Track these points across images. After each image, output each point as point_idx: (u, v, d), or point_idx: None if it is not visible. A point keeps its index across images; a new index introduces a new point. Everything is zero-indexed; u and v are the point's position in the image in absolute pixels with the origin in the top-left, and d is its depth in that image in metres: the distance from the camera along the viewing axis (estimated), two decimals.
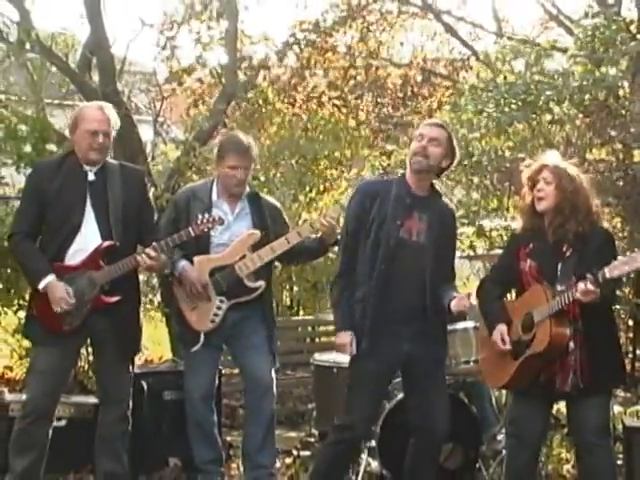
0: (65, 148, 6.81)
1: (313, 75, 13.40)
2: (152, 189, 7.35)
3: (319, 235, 5.60)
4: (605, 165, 7.56)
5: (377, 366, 4.88)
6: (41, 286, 5.00)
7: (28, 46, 8.30)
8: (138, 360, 7.60)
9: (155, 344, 9.23)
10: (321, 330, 8.81)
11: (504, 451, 5.40)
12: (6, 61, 8.23)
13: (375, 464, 5.76)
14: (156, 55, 10.75)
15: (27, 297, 5.58)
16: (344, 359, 5.24)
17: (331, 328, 5.80)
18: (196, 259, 5.55)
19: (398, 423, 5.26)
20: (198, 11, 10.79)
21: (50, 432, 5.14)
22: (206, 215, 5.29)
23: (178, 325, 5.77)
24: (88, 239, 5.06)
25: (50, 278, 4.98)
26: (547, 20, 13.93)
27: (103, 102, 5.44)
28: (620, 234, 7.43)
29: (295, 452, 6.45)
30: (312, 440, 6.49)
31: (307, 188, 9.37)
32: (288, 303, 9.59)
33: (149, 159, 8.71)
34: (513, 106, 7.53)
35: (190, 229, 5.22)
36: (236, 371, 7.00)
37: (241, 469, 5.96)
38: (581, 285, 4.37)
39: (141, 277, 5.58)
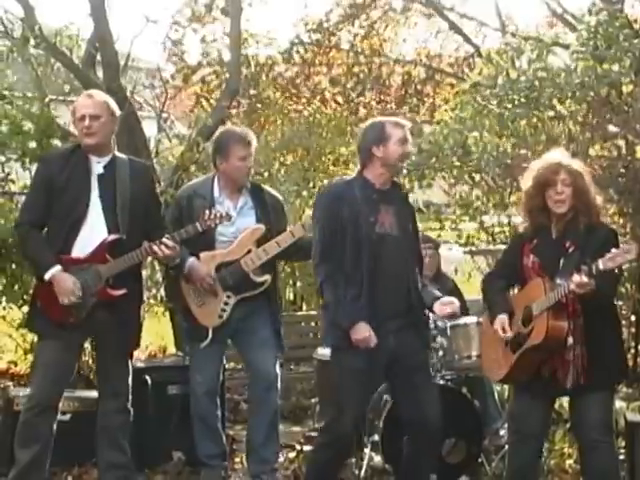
0: (69, 143, 6.84)
1: (317, 74, 13.42)
2: (156, 185, 7.36)
3: None
4: (607, 161, 7.56)
5: (366, 363, 4.84)
6: (47, 277, 5.01)
7: (32, 42, 8.32)
8: (142, 354, 7.65)
9: (159, 338, 9.26)
10: None
11: (506, 446, 5.41)
12: (10, 57, 8.22)
13: (378, 459, 5.80)
14: (162, 53, 10.82)
15: (31, 291, 5.59)
16: None
17: None
18: (202, 255, 5.57)
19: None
20: (203, 9, 10.84)
21: (54, 425, 5.16)
22: (213, 210, 5.32)
23: (185, 322, 5.79)
24: (94, 232, 5.08)
25: (56, 269, 5.00)
26: (551, 18, 13.92)
27: (92, 90, 5.53)
28: (622, 230, 7.42)
29: (298, 447, 6.46)
30: (315, 435, 6.50)
31: (311, 184, 9.37)
32: (291, 298, 9.59)
33: (153, 155, 8.72)
34: (516, 103, 7.54)
35: (197, 224, 5.25)
36: (240, 365, 7.02)
37: (244, 463, 5.98)
38: (575, 276, 4.38)
39: (144, 272, 5.60)
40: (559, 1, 13.33)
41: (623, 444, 5.62)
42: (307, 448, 6.22)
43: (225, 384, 6.12)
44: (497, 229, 8.30)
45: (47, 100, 7.91)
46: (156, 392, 5.97)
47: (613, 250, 4.32)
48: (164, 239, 5.11)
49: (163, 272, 7.32)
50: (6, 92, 7.70)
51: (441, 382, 5.93)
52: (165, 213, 5.74)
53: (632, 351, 7.71)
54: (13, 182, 7.47)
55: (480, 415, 5.94)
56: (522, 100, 7.51)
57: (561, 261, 4.67)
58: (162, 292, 7.90)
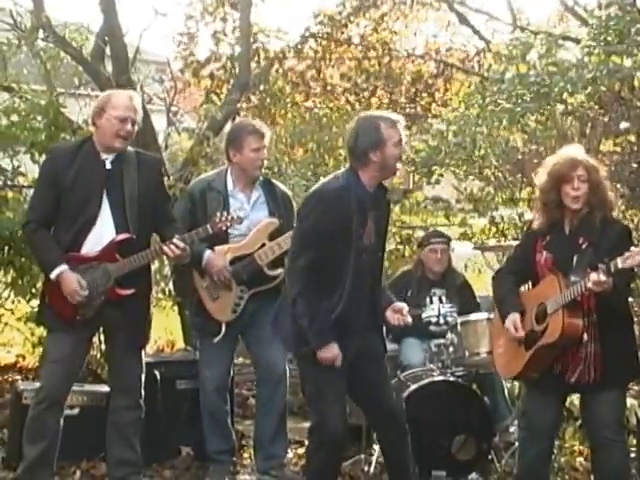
0: (78, 137, 6.83)
1: (328, 67, 13.39)
2: (165, 178, 7.35)
3: None
4: (619, 157, 7.52)
5: (342, 363, 4.71)
6: (53, 276, 5.00)
7: (41, 34, 8.31)
8: (150, 349, 7.64)
9: (167, 333, 9.25)
10: None
11: (516, 443, 5.39)
12: (19, 51, 8.21)
13: None
14: (175, 48, 10.80)
15: (40, 285, 5.58)
16: None
17: None
18: (216, 249, 5.57)
19: (410, 414, 5.25)
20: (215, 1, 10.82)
21: (62, 420, 5.15)
22: (224, 213, 5.30)
23: (198, 317, 5.78)
24: (104, 231, 5.06)
25: (62, 268, 4.98)
26: (563, 12, 13.85)
27: (131, 92, 5.44)
28: (632, 226, 7.38)
29: (307, 442, 6.44)
30: None
31: (321, 179, 9.33)
32: None
33: (162, 148, 8.71)
34: (526, 98, 7.49)
35: (208, 226, 5.24)
36: (248, 361, 7.01)
37: (253, 459, 5.97)
38: (593, 275, 4.35)
39: (152, 266, 5.58)
40: None
41: (634, 442, 5.59)
42: None
43: (234, 379, 6.10)
44: (507, 225, 8.26)
45: (56, 94, 7.89)
46: (165, 387, 5.96)
47: (632, 249, 4.29)
48: (175, 240, 5.08)
49: (172, 266, 7.31)
50: (14, 85, 7.68)
51: (451, 378, 5.92)
52: (174, 207, 5.73)
53: None
54: (23, 175, 7.43)
55: (490, 412, 5.92)
56: (532, 95, 7.46)
57: (574, 258, 4.64)
58: (170, 286, 7.89)
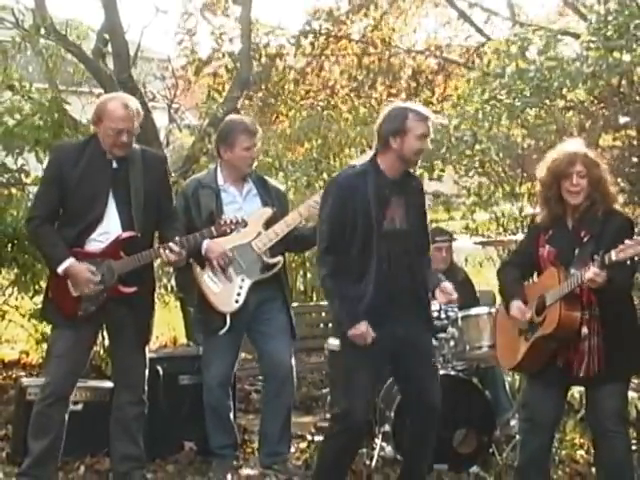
0: (81, 134, 6.85)
1: (330, 63, 13.41)
2: None
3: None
4: (619, 151, 7.54)
5: (375, 350, 4.79)
6: (60, 270, 5.00)
7: (43, 32, 8.33)
8: (153, 345, 7.67)
9: (170, 329, 9.28)
10: None
11: (517, 436, 5.41)
12: (22, 49, 8.23)
13: (389, 449, 5.80)
14: (175, 45, 10.82)
15: (44, 281, 5.60)
16: None
17: None
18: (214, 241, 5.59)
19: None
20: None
21: (66, 415, 5.17)
22: (229, 216, 5.33)
23: (200, 314, 5.79)
24: (109, 228, 5.07)
25: (69, 262, 4.98)
26: (562, 7, 13.86)
27: (126, 95, 5.41)
28: (633, 219, 7.40)
29: (309, 437, 6.47)
30: (326, 425, 6.50)
31: (324, 174, 9.36)
32: (302, 289, 9.60)
33: (164, 145, 8.74)
34: (526, 93, 7.51)
35: (213, 228, 5.26)
36: (250, 356, 7.03)
37: (256, 453, 5.99)
38: (587, 267, 4.38)
39: (155, 262, 5.60)
40: None
41: (635, 434, 5.61)
42: (318, 438, 6.22)
43: (236, 374, 6.13)
44: (508, 219, 8.28)
45: (57, 91, 7.91)
46: (167, 382, 5.97)
47: (626, 241, 4.30)
48: (170, 244, 5.08)
49: None
50: (15, 83, 7.70)
51: (452, 372, 5.94)
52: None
53: None
54: (27, 173, 7.45)
55: (491, 405, 5.94)
56: (532, 90, 7.48)
57: (576, 251, 4.66)
58: (173, 282, 7.92)
